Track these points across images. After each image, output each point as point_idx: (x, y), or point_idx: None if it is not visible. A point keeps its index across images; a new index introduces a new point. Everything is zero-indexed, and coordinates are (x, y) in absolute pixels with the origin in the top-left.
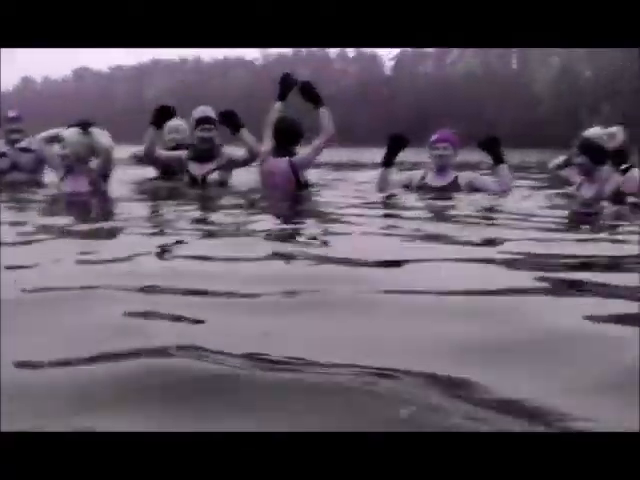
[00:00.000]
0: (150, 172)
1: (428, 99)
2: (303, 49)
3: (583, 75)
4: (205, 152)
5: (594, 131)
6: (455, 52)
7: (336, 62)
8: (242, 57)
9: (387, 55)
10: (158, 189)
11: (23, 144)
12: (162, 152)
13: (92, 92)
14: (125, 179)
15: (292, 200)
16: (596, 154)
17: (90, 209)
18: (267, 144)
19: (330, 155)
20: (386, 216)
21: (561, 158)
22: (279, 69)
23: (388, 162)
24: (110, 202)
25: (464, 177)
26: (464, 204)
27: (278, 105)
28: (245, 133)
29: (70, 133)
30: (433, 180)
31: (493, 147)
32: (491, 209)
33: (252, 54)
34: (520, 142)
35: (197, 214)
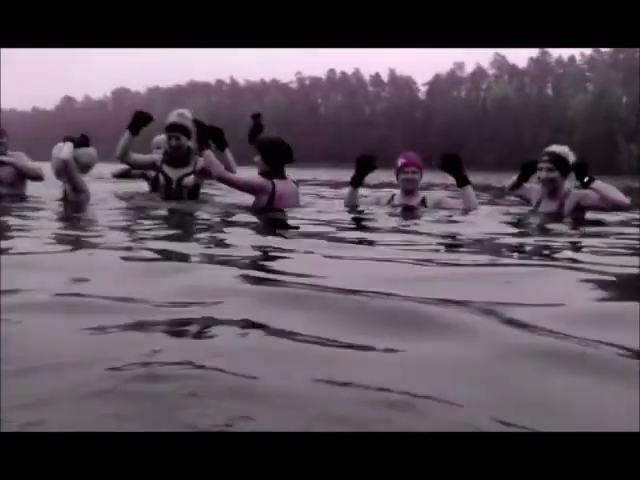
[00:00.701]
0: (144, 187)
1: (462, 123)
2: (337, 72)
3: (619, 101)
4: (177, 158)
5: (556, 147)
6: (490, 77)
7: (370, 86)
8: (278, 80)
9: (421, 79)
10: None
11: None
12: (136, 155)
13: (130, 111)
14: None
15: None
16: (566, 168)
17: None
18: (215, 164)
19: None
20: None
21: (514, 178)
22: (314, 93)
23: (356, 182)
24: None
25: (432, 198)
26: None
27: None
28: (228, 153)
29: None
30: (401, 201)
31: (455, 168)
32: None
33: (287, 77)
34: None
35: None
